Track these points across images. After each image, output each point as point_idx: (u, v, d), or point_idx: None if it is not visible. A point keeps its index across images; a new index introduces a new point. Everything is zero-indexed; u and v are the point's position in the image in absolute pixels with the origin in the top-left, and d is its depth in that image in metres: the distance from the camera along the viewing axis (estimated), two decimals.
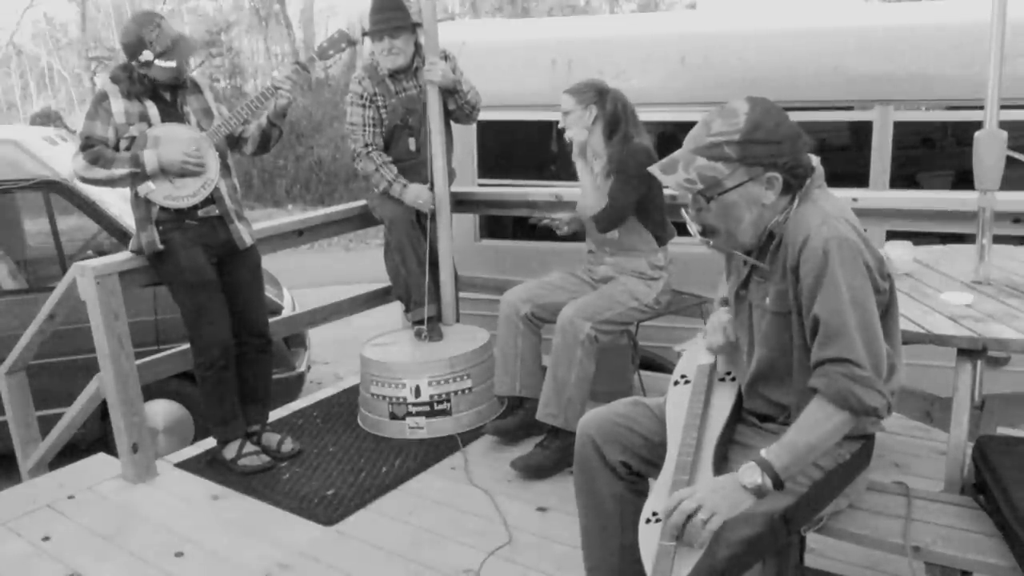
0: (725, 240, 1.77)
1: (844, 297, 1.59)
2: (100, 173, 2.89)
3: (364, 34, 3.60)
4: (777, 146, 1.65)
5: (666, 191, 3.11)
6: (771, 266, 1.74)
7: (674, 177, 1.70)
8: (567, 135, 3.09)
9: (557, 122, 3.12)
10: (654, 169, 1.74)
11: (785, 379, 1.78)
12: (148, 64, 2.88)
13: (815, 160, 1.75)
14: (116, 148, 2.93)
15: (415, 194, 3.59)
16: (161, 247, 2.98)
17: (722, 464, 1.78)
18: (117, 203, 4.39)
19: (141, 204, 2.99)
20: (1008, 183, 2.48)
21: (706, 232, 1.78)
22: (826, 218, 1.64)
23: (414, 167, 3.66)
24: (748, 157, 1.65)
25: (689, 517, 1.57)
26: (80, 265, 2.98)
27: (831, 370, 1.60)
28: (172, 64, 2.89)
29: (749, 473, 1.61)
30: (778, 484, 1.61)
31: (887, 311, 1.71)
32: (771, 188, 1.67)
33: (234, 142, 3.18)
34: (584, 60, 4.16)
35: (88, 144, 2.90)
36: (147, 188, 2.93)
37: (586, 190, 3.13)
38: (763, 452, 1.63)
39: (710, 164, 1.66)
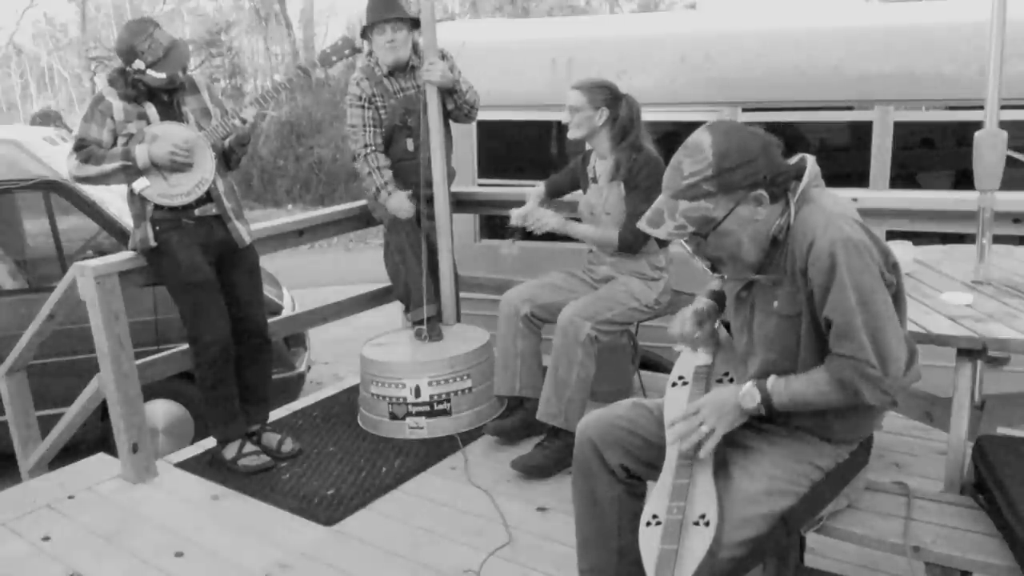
0: (732, 267, 1.79)
1: (852, 300, 1.60)
2: (92, 170, 2.91)
3: (363, 34, 3.60)
4: (752, 165, 1.65)
5: None
6: (778, 272, 1.74)
7: (664, 228, 1.71)
8: (570, 133, 3.06)
9: (558, 122, 3.10)
10: (642, 224, 1.75)
11: None
12: (141, 72, 2.90)
13: (810, 160, 1.75)
14: (113, 148, 2.94)
15: (396, 203, 3.59)
16: (154, 244, 2.99)
17: (721, 466, 1.78)
18: (116, 203, 4.39)
19: (136, 201, 3.00)
20: (1008, 183, 2.48)
21: (715, 266, 1.82)
22: (830, 219, 1.64)
23: (412, 167, 3.66)
24: (727, 185, 1.65)
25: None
26: (80, 265, 2.98)
27: (843, 361, 1.64)
28: (163, 76, 2.91)
29: (750, 399, 1.72)
30: (770, 415, 1.73)
31: (895, 301, 1.72)
32: (760, 204, 1.68)
33: None
34: (584, 60, 4.16)
35: (81, 145, 2.92)
36: (141, 184, 2.93)
37: (594, 234, 3.09)
38: (769, 384, 1.72)
39: (694, 205, 1.67)
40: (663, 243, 3.13)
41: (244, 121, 3.02)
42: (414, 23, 3.56)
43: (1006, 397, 2.61)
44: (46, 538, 2.76)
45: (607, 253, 3.15)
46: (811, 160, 1.75)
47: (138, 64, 2.87)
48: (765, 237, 1.72)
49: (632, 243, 3.02)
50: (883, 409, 1.68)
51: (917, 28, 3.79)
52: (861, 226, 1.66)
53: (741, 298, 1.86)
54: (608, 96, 3.01)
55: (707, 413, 1.74)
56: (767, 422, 1.77)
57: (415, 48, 3.63)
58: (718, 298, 2.10)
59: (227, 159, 3.16)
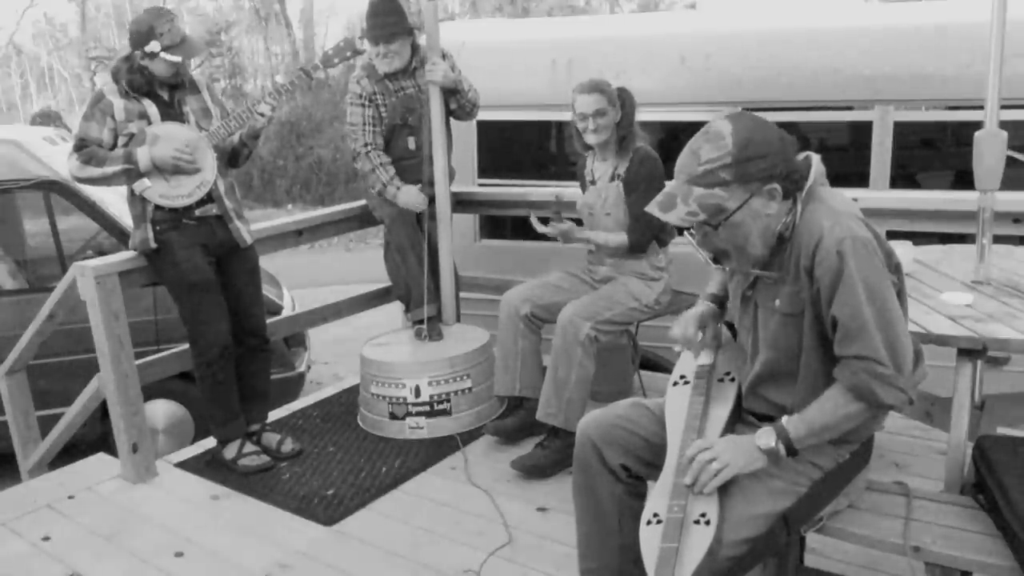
0: (737, 260, 1.77)
1: (861, 296, 1.59)
2: (94, 172, 2.90)
3: (361, 37, 3.60)
4: (770, 158, 1.64)
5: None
6: (781, 270, 1.74)
7: (675, 212, 1.68)
8: (594, 138, 3.01)
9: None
10: (652, 208, 1.72)
11: (788, 381, 1.78)
12: (153, 55, 2.87)
13: (816, 158, 1.74)
14: (113, 148, 2.93)
15: (407, 197, 3.58)
16: (154, 245, 2.99)
17: None
18: (117, 203, 4.39)
19: (137, 202, 2.99)
20: (1008, 183, 2.48)
21: (718, 258, 1.79)
22: (838, 217, 1.64)
23: (414, 166, 3.66)
24: (744, 176, 1.63)
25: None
26: (80, 265, 2.98)
27: (854, 365, 1.62)
28: (177, 59, 2.89)
29: (765, 437, 1.67)
30: (791, 452, 1.67)
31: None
32: (773, 199, 1.66)
33: None
34: (584, 60, 4.16)
35: (82, 145, 2.91)
36: (143, 185, 2.93)
37: (607, 240, 3.07)
38: (783, 420, 1.69)
39: (709, 192, 1.65)
40: (663, 243, 3.13)
41: (262, 115, 3.02)
42: (412, 28, 3.55)
43: (1006, 397, 2.61)
44: (46, 538, 2.76)
45: (617, 255, 3.13)
46: (816, 159, 1.74)
47: (153, 45, 2.84)
48: (772, 234, 1.71)
49: (640, 243, 3.03)
50: (899, 409, 1.66)
51: (917, 28, 3.79)
52: (867, 225, 1.66)
53: (746, 296, 1.86)
54: (615, 91, 3.00)
55: (721, 449, 1.66)
56: (792, 453, 1.69)
57: (415, 50, 3.62)
58: (719, 302, 2.10)
59: (236, 155, 3.15)
